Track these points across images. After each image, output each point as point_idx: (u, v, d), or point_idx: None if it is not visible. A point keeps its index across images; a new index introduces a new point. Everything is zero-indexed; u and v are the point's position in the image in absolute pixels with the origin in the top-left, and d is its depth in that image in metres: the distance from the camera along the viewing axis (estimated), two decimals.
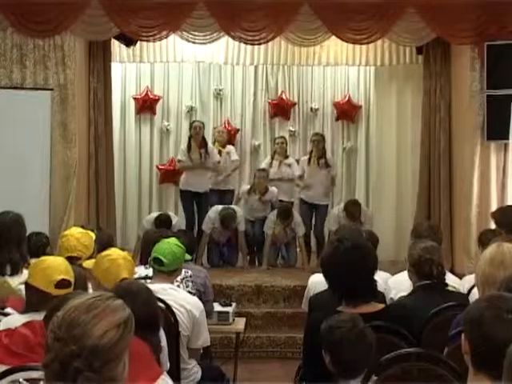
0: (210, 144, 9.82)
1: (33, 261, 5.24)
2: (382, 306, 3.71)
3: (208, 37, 8.57)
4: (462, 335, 2.38)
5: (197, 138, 9.60)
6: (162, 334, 3.55)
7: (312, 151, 9.85)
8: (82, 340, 2.03)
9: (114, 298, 2.20)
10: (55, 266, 3.49)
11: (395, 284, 5.01)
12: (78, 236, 4.88)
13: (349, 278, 3.58)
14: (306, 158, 9.94)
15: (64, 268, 3.50)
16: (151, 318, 3.29)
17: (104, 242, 5.05)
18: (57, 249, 5.38)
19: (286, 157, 10.07)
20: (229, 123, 11.09)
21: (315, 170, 9.74)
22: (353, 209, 8.93)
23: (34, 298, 3.47)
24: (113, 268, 3.83)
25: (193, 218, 9.72)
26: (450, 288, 4.49)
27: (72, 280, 3.53)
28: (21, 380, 2.16)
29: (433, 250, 4.48)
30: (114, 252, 4.04)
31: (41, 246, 5.83)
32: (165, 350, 3.59)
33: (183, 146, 9.89)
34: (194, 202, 9.76)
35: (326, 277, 3.77)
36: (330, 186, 10.09)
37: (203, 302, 4.67)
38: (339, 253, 3.67)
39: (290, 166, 10.01)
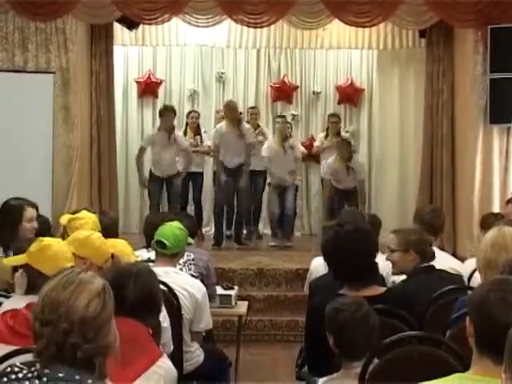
0: (202, 131, 10.20)
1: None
2: (383, 289, 3.73)
3: (210, 20, 8.53)
4: (467, 318, 2.38)
5: (192, 126, 10.09)
6: (165, 315, 3.55)
7: (328, 128, 10.24)
8: (69, 316, 2.07)
9: (84, 271, 2.24)
10: (62, 253, 3.51)
11: None
12: (91, 216, 4.93)
13: (350, 262, 3.59)
14: (323, 134, 10.30)
15: (70, 256, 3.53)
16: (151, 299, 3.27)
17: (109, 227, 5.03)
18: (60, 232, 5.35)
19: (290, 136, 10.06)
20: None
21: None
22: (343, 148, 9.15)
23: (39, 282, 3.49)
24: (104, 245, 3.88)
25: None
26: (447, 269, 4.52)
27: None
28: (17, 363, 2.18)
29: (420, 230, 4.51)
30: (92, 231, 4.10)
31: (43, 230, 5.84)
32: (168, 331, 3.60)
33: (180, 132, 9.92)
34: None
35: (327, 261, 3.77)
36: None
37: (205, 285, 4.68)
38: (340, 237, 3.67)
39: (292, 148, 9.98)
